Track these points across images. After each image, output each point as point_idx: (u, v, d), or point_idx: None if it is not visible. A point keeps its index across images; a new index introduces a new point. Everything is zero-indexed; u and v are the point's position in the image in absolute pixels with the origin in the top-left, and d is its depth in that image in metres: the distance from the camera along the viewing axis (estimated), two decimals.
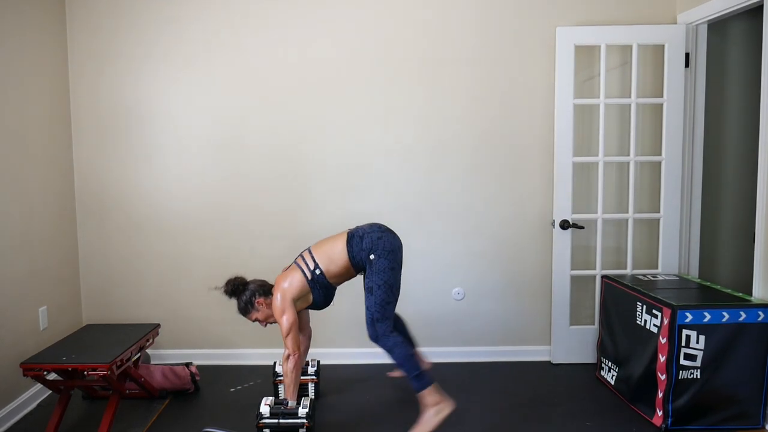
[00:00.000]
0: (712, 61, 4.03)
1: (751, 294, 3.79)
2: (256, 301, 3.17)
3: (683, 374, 3.01)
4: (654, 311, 3.14)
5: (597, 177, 3.94)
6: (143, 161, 4.04)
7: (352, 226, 3.25)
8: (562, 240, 3.92)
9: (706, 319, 2.98)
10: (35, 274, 3.57)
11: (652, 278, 3.64)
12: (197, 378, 3.66)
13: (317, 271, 3.11)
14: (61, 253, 3.87)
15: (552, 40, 3.94)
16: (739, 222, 4.15)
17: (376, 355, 4.12)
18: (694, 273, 3.97)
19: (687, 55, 3.80)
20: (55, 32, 3.84)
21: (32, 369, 2.93)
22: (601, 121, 3.86)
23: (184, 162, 4.04)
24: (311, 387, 3.50)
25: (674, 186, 3.87)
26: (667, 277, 3.66)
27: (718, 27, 4.04)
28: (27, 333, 3.48)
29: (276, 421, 2.88)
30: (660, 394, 3.08)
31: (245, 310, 3.20)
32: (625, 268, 4.02)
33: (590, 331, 4.00)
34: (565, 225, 3.90)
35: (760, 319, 2.99)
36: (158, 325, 3.56)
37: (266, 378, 3.88)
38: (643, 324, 3.26)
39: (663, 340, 3.04)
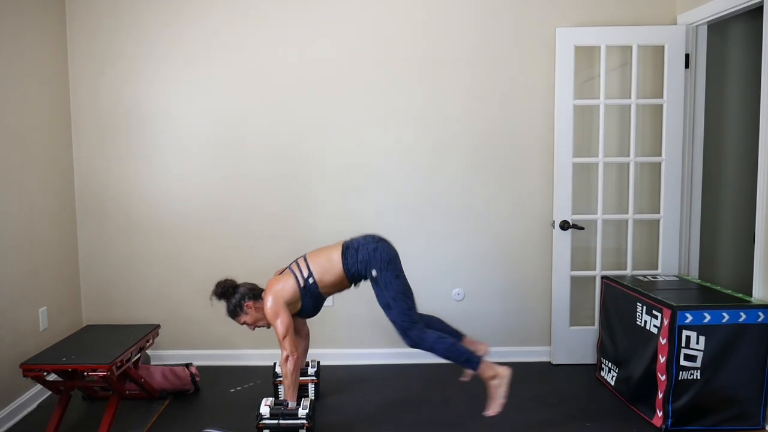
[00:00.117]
0: (712, 62, 4.03)
1: (751, 295, 3.79)
2: (245, 304, 3.15)
3: (683, 375, 3.01)
4: (654, 312, 3.15)
5: (597, 178, 3.94)
6: (143, 161, 4.04)
7: (347, 238, 3.22)
8: (562, 241, 3.92)
9: (706, 320, 2.98)
10: (35, 275, 3.57)
11: (652, 279, 3.64)
12: (197, 379, 3.66)
13: (310, 280, 3.11)
14: (61, 254, 3.87)
15: (552, 40, 3.94)
16: (739, 223, 4.16)
17: (376, 356, 4.13)
18: (694, 274, 3.97)
19: (687, 55, 3.81)
20: (55, 32, 3.83)
21: (32, 370, 2.92)
22: (601, 121, 3.86)
23: (184, 162, 4.04)
24: (311, 388, 3.49)
25: (674, 187, 3.87)
26: (667, 278, 3.66)
27: (718, 28, 4.04)
28: (27, 333, 3.48)
29: (276, 421, 2.87)
30: (660, 395, 3.08)
31: (234, 312, 3.18)
32: (625, 269, 4.02)
33: (590, 332, 4.00)
34: (565, 226, 3.90)
35: (760, 319, 2.99)
36: (158, 326, 3.56)
37: (266, 379, 3.88)
38: (643, 325, 3.26)
39: (663, 341, 3.04)
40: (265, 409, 2.89)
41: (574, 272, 3.98)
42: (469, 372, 3.19)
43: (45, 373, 2.97)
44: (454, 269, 4.10)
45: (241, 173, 4.04)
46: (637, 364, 3.30)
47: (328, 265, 3.11)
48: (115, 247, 4.09)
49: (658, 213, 3.95)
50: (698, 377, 3.01)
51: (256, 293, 3.19)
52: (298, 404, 2.96)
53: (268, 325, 3.19)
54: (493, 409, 3.03)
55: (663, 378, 3.05)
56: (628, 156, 3.94)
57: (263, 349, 4.13)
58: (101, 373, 2.91)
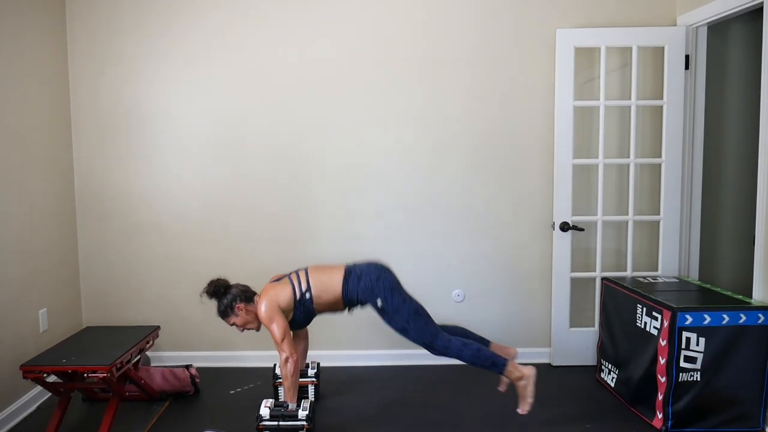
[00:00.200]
0: (712, 63, 4.03)
1: (751, 296, 3.79)
2: (237, 306, 3.15)
3: (683, 376, 3.01)
4: (654, 313, 3.15)
5: (597, 179, 3.94)
6: (143, 162, 4.03)
7: (350, 262, 3.22)
8: (562, 242, 3.92)
9: (706, 322, 2.98)
10: (35, 276, 3.56)
11: (652, 280, 3.64)
12: (197, 380, 3.66)
13: (307, 295, 3.11)
14: (61, 255, 3.87)
15: (552, 41, 3.94)
16: (739, 224, 4.16)
17: (376, 357, 4.13)
18: (694, 275, 3.97)
19: (687, 57, 3.81)
20: (55, 33, 3.83)
21: (32, 371, 2.92)
22: (601, 122, 3.86)
23: (184, 162, 4.04)
24: (311, 389, 3.50)
25: (674, 188, 3.87)
26: (667, 280, 3.67)
27: (718, 29, 4.04)
28: (27, 335, 3.47)
29: (276, 423, 2.87)
30: (660, 397, 3.08)
31: (224, 313, 3.17)
32: (625, 271, 4.02)
33: (590, 334, 4.00)
34: (565, 227, 3.90)
35: (760, 321, 2.99)
36: (158, 327, 3.56)
37: (266, 380, 3.88)
38: (643, 326, 3.26)
39: (663, 343, 3.04)
40: (265, 411, 2.89)
41: (574, 273, 3.98)
42: (504, 380, 3.24)
43: (45, 375, 2.96)
44: (455, 270, 4.10)
45: (241, 173, 4.04)
46: (637, 365, 3.30)
47: (327, 284, 3.11)
48: (115, 249, 4.09)
49: (658, 214, 3.95)
50: (698, 379, 3.01)
51: (248, 296, 3.18)
52: (298, 406, 2.96)
53: (257, 328, 3.20)
54: (523, 408, 3.10)
55: (663, 379, 3.05)
56: (628, 157, 3.94)
57: (263, 350, 4.13)
58: (101, 375, 2.91)
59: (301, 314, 3.15)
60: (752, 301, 3.10)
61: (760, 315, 2.99)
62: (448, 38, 3.96)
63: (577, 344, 4.01)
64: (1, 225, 3.26)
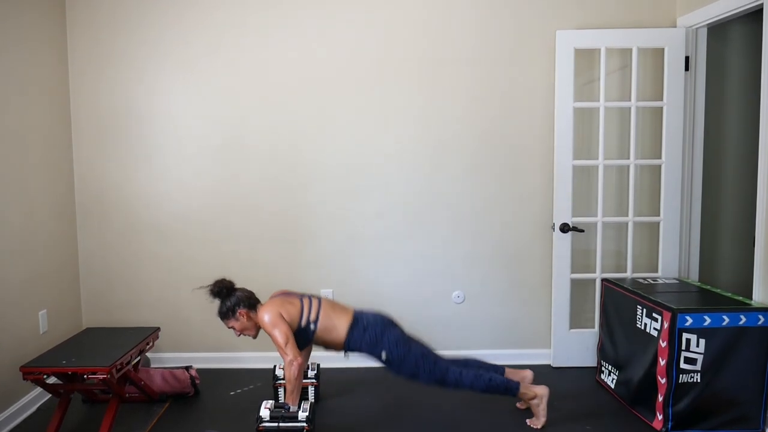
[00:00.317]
0: (711, 65, 4.04)
1: (751, 297, 3.79)
2: (239, 311, 3.13)
3: (683, 378, 3.01)
4: (654, 315, 3.15)
5: (597, 180, 3.94)
6: (143, 163, 4.04)
7: (358, 309, 3.19)
8: (562, 243, 3.92)
9: (706, 323, 2.98)
10: (35, 278, 3.57)
11: (653, 281, 3.64)
12: (197, 381, 3.66)
13: (312, 326, 3.09)
14: (61, 256, 3.87)
15: (552, 42, 3.94)
16: (739, 225, 4.16)
17: None
18: (694, 276, 3.97)
19: (687, 58, 3.81)
20: (55, 34, 3.83)
21: (32, 373, 2.92)
22: (601, 124, 3.86)
23: (184, 163, 4.04)
24: (311, 390, 3.49)
25: (674, 189, 3.87)
26: (667, 281, 3.66)
27: (717, 30, 4.04)
28: (27, 336, 3.47)
29: (276, 424, 2.87)
30: (660, 398, 3.08)
31: (225, 315, 3.15)
32: (626, 272, 4.02)
33: (590, 335, 4.00)
34: (565, 228, 3.90)
35: (760, 322, 2.99)
36: (158, 329, 3.56)
37: (266, 381, 3.87)
38: (643, 327, 3.26)
39: (663, 344, 3.04)
40: (265, 412, 2.89)
41: (574, 275, 3.98)
42: (522, 403, 3.28)
43: (45, 376, 2.96)
44: (454, 271, 4.10)
45: (241, 174, 4.04)
46: (637, 366, 3.30)
47: (333, 326, 3.10)
48: (115, 250, 4.09)
49: (658, 216, 3.95)
50: (698, 380, 3.01)
51: (252, 302, 3.17)
52: (298, 407, 2.96)
53: (254, 336, 3.19)
54: (535, 423, 3.17)
55: (663, 381, 3.05)
56: (628, 158, 3.94)
57: (263, 351, 4.13)
58: (101, 376, 2.91)
59: (300, 339, 3.12)
60: (752, 302, 3.10)
61: (760, 316, 2.99)
62: (448, 39, 3.97)
63: (577, 345, 4.01)
64: (1, 226, 3.26)
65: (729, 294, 3.29)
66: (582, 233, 4.04)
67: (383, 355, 3.05)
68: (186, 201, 4.06)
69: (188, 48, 3.96)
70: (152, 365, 4.11)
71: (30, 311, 3.51)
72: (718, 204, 4.14)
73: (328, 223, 4.06)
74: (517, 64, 3.97)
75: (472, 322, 4.13)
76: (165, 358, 4.14)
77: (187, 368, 3.66)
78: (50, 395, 3.62)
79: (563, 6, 3.93)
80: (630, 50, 3.92)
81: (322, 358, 4.11)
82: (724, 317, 2.98)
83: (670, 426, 3.06)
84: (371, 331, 3.07)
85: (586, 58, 3.96)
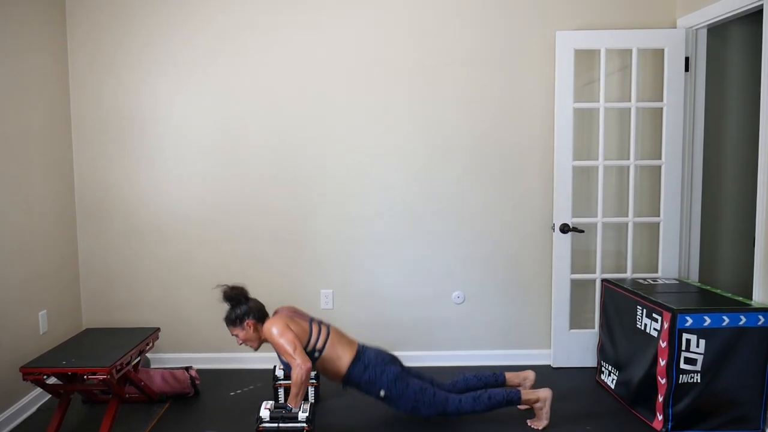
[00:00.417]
0: (711, 65, 4.04)
1: (751, 298, 3.79)
2: (248, 321, 3.09)
3: (683, 378, 3.01)
4: (654, 315, 3.15)
5: (597, 181, 3.94)
6: (143, 163, 4.04)
7: (362, 344, 3.16)
8: (562, 243, 3.92)
9: (706, 323, 2.98)
10: (35, 278, 3.57)
11: (653, 282, 3.64)
12: (197, 382, 3.66)
13: (316, 354, 3.08)
14: (61, 257, 3.87)
15: (552, 43, 3.95)
16: (739, 226, 4.16)
17: None
18: (694, 277, 3.97)
19: (687, 59, 3.81)
20: (55, 35, 3.84)
21: (32, 373, 2.92)
22: (601, 124, 3.86)
23: (184, 165, 4.04)
24: (311, 391, 3.49)
25: (674, 190, 3.87)
26: (667, 281, 3.66)
27: (717, 31, 4.04)
28: (27, 337, 3.47)
29: (276, 425, 2.87)
30: (660, 398, 3.08)
31: (233, 322, 3.11)
32: (626, 272, 4.02)
33: (590, 335, 4.00)
34: (565, 229, 3.90)
35: (760, 323, 2.99)
36: (158, 329, 3.56)
37: (266, 382, 3.87)
38: (643, 328, 3.26)
39: (663, 344, 3.04)
40: (265, 413, 2.89)
41: (574, 275, 3.98)
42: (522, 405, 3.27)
43: (45, 377, 2.96)
44: (454, 272, 4.10)
45: (241, 176, 4.04)
46: (637, 367, 3.30)
47: (338, 356, 3.09)
48: (115, 250, 4.09)
49: (658, 216, 3.95)
50: (698, 380, 3.01)
51: (261, 315, 3.13)
52: (299, 408, 2.96)
53: (256, 348, 3.15)
54: (536, 425, 3.18)
55: (663, 381, 3.05)
56: (628, 159, 3.94)
57: (263, 352, 4.13)
58: (101, 377, 2.91)
59: None
60: (752, 302, 3.10)
61: (760, 317, 2.99)
62: (448, 40, 3.97)
63: (578, 346, 4.01)
64: (1, 226, 3.26)
65: (729, 294, 3.29)
66: (582, 234, 4.04)
67: (381, 392, 3.07)
68: (186, 201, 4.06)
69: (189, 50, 3.97)
70: (152, 366, 4.11)
71: (30, 311, 3.51)
72: (718, 204, 4.15)
73: (328, 224, 4.06)
74: (517, 64, 3.97)
75: (472, 322, 4.13)
76: (165, 358, 4.14)
77: (187, 369, 3.66)
78: (50, 396, 3.62)
79: (563, 7, 3.93)
80: (630, 51, 3.92)
81: None
82: (724, 318, 2.98)
83: (670, 426, 3.06)
84: (371, 370, 3.08)
85: (586, 58, 3.96)
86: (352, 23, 3.96)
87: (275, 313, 3.20)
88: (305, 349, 3.06)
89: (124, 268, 4.10)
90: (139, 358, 3.41)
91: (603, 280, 3.76)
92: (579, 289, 4.08)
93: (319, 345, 3.08)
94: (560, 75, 3.83)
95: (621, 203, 4.04)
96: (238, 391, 3.74)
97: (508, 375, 3.34)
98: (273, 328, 3.00)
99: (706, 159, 4.06)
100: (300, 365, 2.92)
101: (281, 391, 3.49)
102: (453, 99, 3.99)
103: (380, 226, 4.07)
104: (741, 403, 3.03)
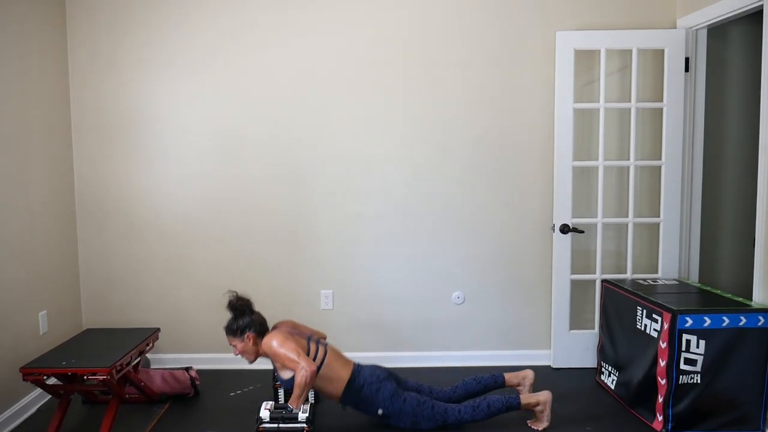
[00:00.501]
0: (711, 66, 4.04)
1: (751, 299, 3.79)
2: (248, 333, 3.08)
3: (683, 379, 3.01)
4: (654, 316, 3.14)
5: (597, 181, 3.94)
6: (144, 164, 4.04)
7: (357, 364, 3.16)
8: (562, 244, 3.92)
9: (706, 324, 2.98)
10: (35, 278, 3.57)
11: (653, 282, 3.64)
12: (197, 382, 3.66)
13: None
14: (61, 257, 3.87)
15: (552, 43, 3.95)
16: (739, 226, 4.16)
17: (376, 360, 4.12)
18: (694, 277, 3.97)
19: (687, 59, 3.81)
20: (55, 34, 3.84)
21: (32, 373, 2.92)
22: (601, 125, 3.86)
23: (184, 165, 4.04)
24: (311, 392, 3.49)
25: (674, 190, 3.87)
26: (667, 282, 3.66)
27: (718, 31, 4.04)
28: (27, 337, 3.47)
29: (276, 425, 2.87)
30: (660, 399, 3.08)
31: (234, 332, 3.10)
32: (626, 273, 4.02)
33: (590, 336, 4.00)
34: (565, 229, 3.90)
35: (760, 323, 2.99)
36: (158, 330, 3.56)
37: (266, 382, 3.87)
38: (643, 328, 3.26)
39: (663, 345, 3.04)
40: (264, 413, 2.89)
41: (574, 276, 3.98)
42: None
43: (45, 377, 2.96)
44: (454, 272, 4.10)
45: (241, 177, 4.04)
46: (637, 367, 3.30)
47: (336, 377, 3.08)
48: (115, 251, 4.09)
49: (659, 216, 3.95)
50: (698, 381, 3.01)
51: (262, 330, 3.12)
52: (299, 409, 2.96)
53: (252, 361, 3.13)
54: (537, 426, 3.18)
55: (663, 382, 3.05)
56: (628, 159, 3.94)
57: None
58: (101, 377, 2.91)
59: (292, 382, 3.06)
60: (752, 303, 3.10)
61: (761, 317, 2.99)
62: (447, 41, 3.97)
63: (578, 346, 4.01)
64: (1, 227, 3.26)
65: (729, 295, 3.29)
66: (582, 234, 4.04)
67: (379, 411, 3.07)
68: (186, 202, 4.06)
69: (189, 49, 3.97)
70: (152, 366, 4.11)
71: (30, 312, 3.51)
72: (718, 205, 4.15)
73: (328, 224, 4.06)
74: (517, 65, 3.97)
75: (472, 322, 4.13)
76: (165, 358, 4.14)
77: (187, 369, 3.66)
78: (50, 396, 3.62)
79: (563, 7, 3.93)
80: (630, 51, 3.92)
81: None
82: (724, 318, 2.98)
83: (670, 427, 3.06)
84: (367, 389, 3.08)
85: (586, 59, 3.96)
86: (352, 23, 3.96)
87: (274, 327, 3.20)
88: None
89: (124, 268, 4.10)
90: (139, 359, 3.41)
91: (603, 281, 3.76)
92: (579, 289, 4.08)
93: (317, 362, 3.07)
94: (560, 75, 3.83)
95: (621, 203, 4.04)
96: (238, 392, 3.74)
97: (507, 375, 3.33)
98: (273, 341, 2.99)
99: (706, 159, 4.06)
100: (305, 367, 2.91)
101: (281, 392, 3.48)
102: (453, 99, 3.99)
103: (380, 227, 4.07)
104: (741, 404, 3.03)
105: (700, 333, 2.98)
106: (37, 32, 3.64)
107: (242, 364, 4.13)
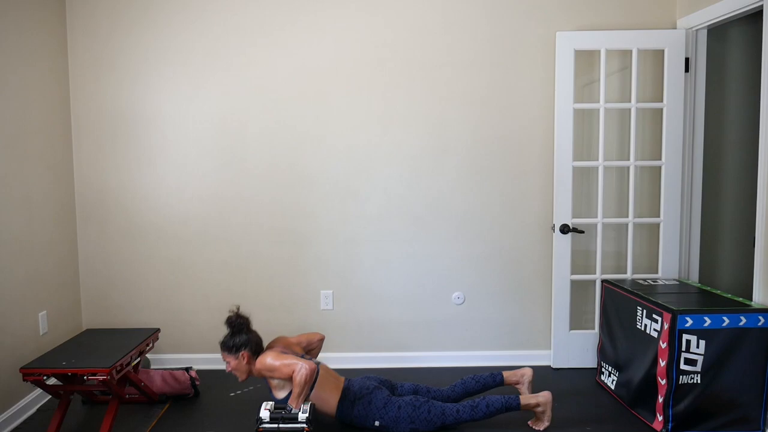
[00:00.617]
0: (712, 66, 4.04)
1: (751, 299, 3.79)
2: (243, 352, 3.08)
3: (683, 379, 3.01)
4: (654, 316, 3.14)
5: (597, 181, 3.94)
6: (144, 165, 4.04)
7: (347, 379, 3.17)
8: (562, 244, 3.92)
9: (706, 324, 2.98)
10: (35, 279, 3.57)
11: (653, 283, 3.64)
12: (197, 382, 3.66)
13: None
14: (61, 258, 3.87)
15: (552, 44, 3.95)
16: (739, 226, 4.16)
17: (374, 360, 4.12)
18: (694, 277, 3.97)
19: (687, 59, 3.81)
20: (55, 36, 3.84)
21: (32, 374, 2.92)
22: (601, 125, 3.86)
23: (184, 165, 4.04)
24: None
25: (674, 190, 3.87)
26: (667, 282, 3.66)
27: (717, 32, 4.04)
28: (27, 338, 3.47)
29: (276, 425, 2.87)
30: (660, 399, 3.08)
31: (229, 349, 3.09)
32: (626, 273, 4.02)
33: (590, 336, 4.00)
34: (565, 229, 3.90)
35: (760, 323, 2.99)
36: (158, 330, 3.56)
37: (266, 382, 3.87)
38: (643, 328, 3.26)
39: (663, 345, 3.04)
40: (264, 413, 2.89)
41: (574, 276, 3.98)
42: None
43: (45, 377, 2.96)
44: (455, 273, 4.10)
45: (241, 177, 4.04)
46: (637, 367, 3.30)
47: (326, 395, 3.09)
48: (115, 251, 4.09)
49: (659, 217, 3.95)
50: (698, 381, 3.01)
51: (257, 350, 3.13)
52: (299, 408, 2.96)
53: (243, 380, 3.13)
54: (537, 426, 3.17)
55: (663, 382, 3.05)
56: (628, 160, 3.94)
57: None
58: (101, 377, 2.91)
59: (287, 398, 3.07)
60: (752, 303, 3.10)
61: (761, 317, 2.99)
62: (447, 42, 3.97)
63: (578, 346, 4.01)
64: (1, 227, 3.26)
65: (729, 295, 3.29)
66: (582, 234, 4.04)
67: (376, 423, 3.07)
68: (186, 202, 4.06)
69: (189, 49, 3.97)
70: (152, 366, 4.11)
71: (30, 312, 3.51)
72: (718, 205, 4.15)
73: (328, 225, 4.06)
74: (518, 65, 3.97)
75: (472, 323, 4.13)
76: (165, 359, 4.14)
77: (187, 369, 3.66)
78: (50, 396, 3.62)
79: (563, 7, 3.93)
80: (630, 52, 3.92)
81: (323, 358, 4.11)
82: (725, 318, 2.98)
83: (670, 427, 3.06)
84: (359, 404, 3.08)
85: (586, 59, 3.96)
86: (352, 23, 3.96)
87: (268, 347, 3.20)
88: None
89: (124, 268, 4.10)
90: (139, 359, 3.41)
91: (603, 281, 3.76)
92: (579, 289, 4.08)
93: (311, 382, 3.05)
94: (560, 75, 3.83)
95: (621, 204, 4.04)
96: (238, 392, 3.74)
97: (506, 374, 3.33)
98: (267, 359, 3.00)
99: (706, 159, 4.06)
100: (303, 365, 2.92)
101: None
102: (453, 99, 3.99)
103: (380, 226, 4.07)
104: (741, 404, 3.03)
105: (700, 333, 2.98)
106: (38, 33, 3.64)
107: None
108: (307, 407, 2.93)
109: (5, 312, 3.28)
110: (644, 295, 3.29)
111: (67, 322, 3.91)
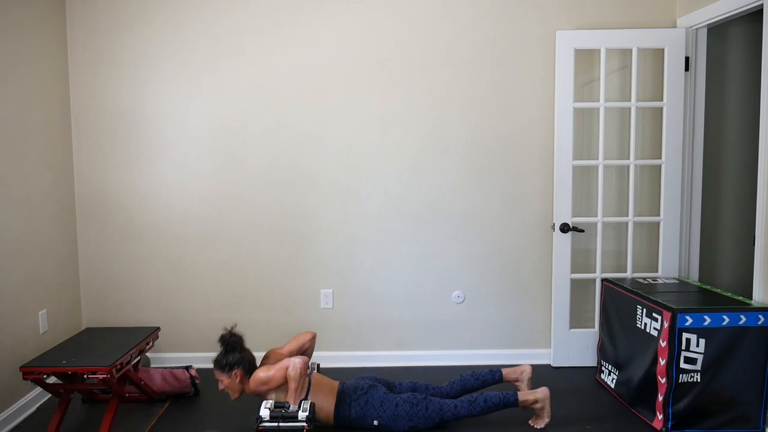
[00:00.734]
0: (711, 65, 4.04)
1: (751, 297, 3.79)
2: (236, 371, 3.07)
3: (683, 377, 3.01)
4: (654, 314, 3.14)
5: (597, 180, 3.94)
6: (144, 165, 4.04)
7: (341, 382, 3.19)
8: (562, 243, 3.92)
9: (706, 323, 2.98)
10: (35, 278, 3.57)
11: (653, 281, 3.64)
12: (197, 381, 3.66)
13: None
14: (61, 257, 3.87)
15: (552, 43, 3.95)
16: (739, 225, 4.16)
17: (374, 359, 4.12)
18: (694, 276, 3.97)
19: (687, 58, 3.81)
20: (55, 35, 3.84)
21: (32, 372, 2.92)
22: (601, 124, 3.86)
23: (184, 165, 4.04)
24: None
25: (674, 189, 3.87)
26: (667, 281, 3.66)
27: (718, 31, 4.04)
28: (27, 336, 3.47)
29: (276, 424, 2.87)
30: (660, 398, 3.08)
31: (222, 367, 3.08)
32: (626, 272, 4.02)
33: (590, 335, 4.00)
34: (565, 228, 3.90)
35: (760, 322, 2.99)
36: (158, 329, 3.56)
37: None
38: (643, 327, 3.26)
39: (663, 344, 3.04)
40: (264, 412, 2.89)
41: (574, 275, 3.98)
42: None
43: (45, 376, 2.96)
44: (454, 272, 4.10)
45: (241, 177, 4.04)
46: (637, 366, 3.30)
47: (321, 404, 3.09)
48: (115, 250, 4.09)
49: (659, 216, 3.95)
50: (698, 380, 3.01)
51: (250, 368, 3.12)
52: (298, 407, 2.96)
53: (235, 398, 3.12)
54: (537, 423, 3.17)
55: (663, 381, 3.05)
56: (628, 159, 3.94)
57: (263, 351, 4.13)
58: (101, 376, 2.91)
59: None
60: (752, 302, 3.10)
61: (760, 316, 2.99)
62: (447, 41, 3.97)
63: (578, 345, 4.01)
64: (1, 227, 3.26)
65: (729, 294, 3.29)
66: (582, 233, 4.04)
67: (375, 422, 3.07)
68: (186, 202, 4.06)
69: (190, 49, 3.97)
70: (152, 365, 4.11)
71: (30, 311, 3.51)
72: (718, 204, 4.14)
73: (328, 225, 4.07)
74: (517, 64, 3.97)
75: (472, 322, 4.13)
76: (165, 357, 4.14)
77: (187, 368, 3.66)
78: (50, 395, 3.62)
79: (563, 6, 3.94)
80: (630, 50, 3.92)
81: (323, 357, 4.11)
82: (724, 317, 2.98)
83: (670, 425, 3.06)
84: (355, 405, 3.09)
85: (586, 58, 3.96)
86: (351, 24, 3.96)
87: (261, 363, 3.20)
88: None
89: (124, 268, 4.10)
90: (139, 358, 3.41)
91: (603, 280, 3.76)
92: (579, 288, 4.08)
93: (302, 395, 3.06)
94: (560, 74, 3.83)
95: (621, 203, 4.04)
96: None
97: (505, 371, 3.33)
98: (260, 373, 3.01)
99: (706, 158, 4.06)
100: (293, 360, 2.95)
101: None
102: (453, 99, 4.00)
103: (380, 226, 4.07)
104: (741, 403, 3.03)
105: (700, 332, 2.98)
106: (38, 33, 3.64)
107: None
108: (308, 406, 2.93)
109: (5, 311, 3.29)
110: (644, 294, 3.29)
111: (67, 321, 3.92)
